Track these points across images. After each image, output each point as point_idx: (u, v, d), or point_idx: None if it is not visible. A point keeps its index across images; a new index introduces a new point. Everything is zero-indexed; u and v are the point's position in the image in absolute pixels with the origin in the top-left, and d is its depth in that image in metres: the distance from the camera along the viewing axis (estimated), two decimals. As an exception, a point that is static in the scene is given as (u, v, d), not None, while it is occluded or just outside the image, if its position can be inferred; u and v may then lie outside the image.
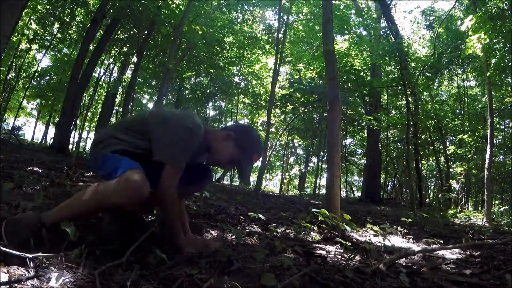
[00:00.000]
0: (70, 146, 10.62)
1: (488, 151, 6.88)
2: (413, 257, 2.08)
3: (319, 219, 2.34)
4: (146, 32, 9.86)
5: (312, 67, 12.75)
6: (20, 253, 1.04)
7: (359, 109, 13.55)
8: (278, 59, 8.42)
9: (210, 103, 18.12)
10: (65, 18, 11.80)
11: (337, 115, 3.55)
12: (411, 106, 10.62)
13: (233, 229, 1.70)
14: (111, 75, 16.72)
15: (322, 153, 14.97)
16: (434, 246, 2.57)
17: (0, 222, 1.28)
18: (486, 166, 6.88)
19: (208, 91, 15.96)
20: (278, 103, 12.34)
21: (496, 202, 13.08)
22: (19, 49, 14.00)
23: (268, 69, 16.96)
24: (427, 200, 14.66)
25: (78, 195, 1.41)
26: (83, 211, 1.40)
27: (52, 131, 16.04)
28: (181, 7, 9.97)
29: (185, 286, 1.15)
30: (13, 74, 14.98)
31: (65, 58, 14.97)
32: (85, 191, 1.40)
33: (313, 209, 2.43)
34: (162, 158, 1.48)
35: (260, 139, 1.79)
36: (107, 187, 1.37)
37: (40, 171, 3.58)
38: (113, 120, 16.47)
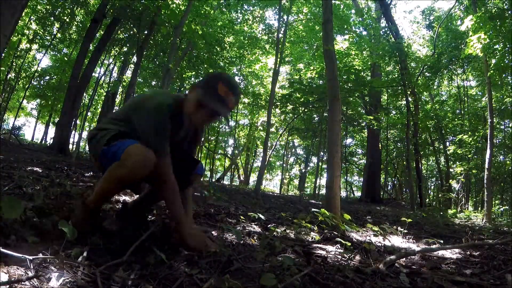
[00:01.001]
0: (70, 146, 10.61)
1: (488, 151, 6.88)
2: (413, 257, 2.08)
3: (319, 219, 2.34)
4: (146, 32, 9.85)
5: (312, 67, 12.75)
6: (20, 255, 1.03)
7: (359, 109, 13.55)
8: (278, 59, 8.41)
9: (210, 103, 18.07)
10: (65, 18, 11.79)
11: (337, 115, 3.55)
12: (411, 106, 10.63)
13: (233, 229, 1.70)
14: (111, 75, 16.73)
15: (322, 153, 14.97)
16: (434, 246, 2.56)
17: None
18: (486, 166, 6.89)
19: (208, 91, 15.91)
20: (278, 103, 12.33)
21: (496, 202, 13.08)
22: (19, 49, 13.99)
23: (268, 69, 16.95)
24: (427, 200, 14.67)
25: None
26: (106, 189, 1.52)
27: (52, 131, 16.06)
28: (181, 7, 9.96)
29: (185, 286, 1.15)
30: (13, 74, 14.98)
31: (65, 58, 14.97)
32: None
33: (313, 209, 2.43)
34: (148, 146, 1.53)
35: (229, 75, 1.64)
36: (116, 164, 1.44)
37: (40, 171, 3.57)
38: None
